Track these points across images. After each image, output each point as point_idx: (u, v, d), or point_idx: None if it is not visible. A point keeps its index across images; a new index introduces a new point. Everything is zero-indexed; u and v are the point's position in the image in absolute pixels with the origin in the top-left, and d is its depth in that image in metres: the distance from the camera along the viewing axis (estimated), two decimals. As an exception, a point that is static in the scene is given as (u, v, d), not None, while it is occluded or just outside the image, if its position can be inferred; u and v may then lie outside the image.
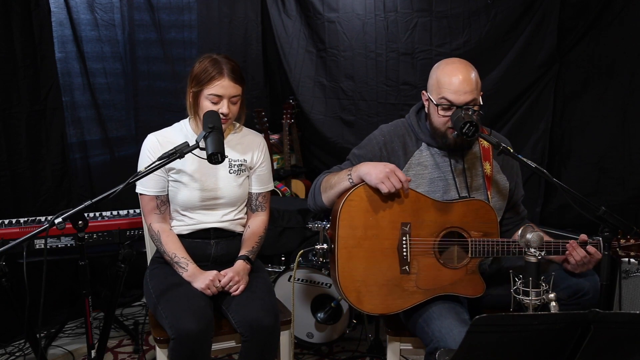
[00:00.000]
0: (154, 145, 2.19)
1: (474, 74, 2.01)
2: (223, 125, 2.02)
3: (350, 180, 1.99)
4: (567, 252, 1.97)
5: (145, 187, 2.19)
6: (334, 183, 2.04)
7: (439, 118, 2.02)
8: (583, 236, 1.98)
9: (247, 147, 2.28)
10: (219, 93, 2.08)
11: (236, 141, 2.26)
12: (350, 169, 2.01)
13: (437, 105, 2.01)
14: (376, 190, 1.93)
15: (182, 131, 2.23)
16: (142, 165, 2.14)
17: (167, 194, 2.22)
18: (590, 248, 1.94)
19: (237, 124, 2.30)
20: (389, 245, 1.98)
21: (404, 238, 1.97)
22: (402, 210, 1.98)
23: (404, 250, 1.97)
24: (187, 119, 2.25)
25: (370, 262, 1.97)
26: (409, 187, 1.96)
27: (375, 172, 1.92)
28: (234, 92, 2.11)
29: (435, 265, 2.00)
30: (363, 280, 1.97)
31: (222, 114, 2.07)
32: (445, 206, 2.00)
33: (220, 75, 2.08)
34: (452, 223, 2.00)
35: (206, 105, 2.10)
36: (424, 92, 2.11)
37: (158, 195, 2.20)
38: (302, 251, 2.35)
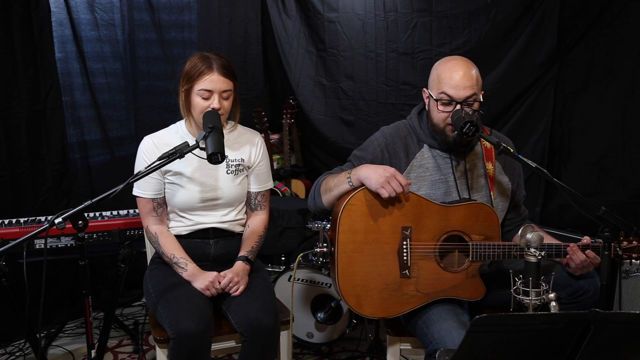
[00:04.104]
0: (149, 147, 2.18)
1: (474, 71, 2.01)
2: None
3: (350, 183, 1.99)
4: (567, 255, 1.97)
5: (141, 189, 2.19)
6: (334, 185, 2.03)
7: (439, 114, 2.02)
8: (586, 239, 1.98)
9: (244, 146, 2.28)
10: (209, 88, 2.07)
11: (232, 140, 2.25)
12: (350, 171, 2.00)
13: (437, 100, 2.01)
14: (376, 194, 1.92)
15: (178, 133, 2.23)
16: (138, 168, 2.14)
17: (164, 196, 2.22)
18: (589, 252, 1.94)
19: (232, 123, 2.29)
20: (390, 250, 1.98)
21: (405, 242, 1.96)
22: (403, 214, 1.97)
23: (405, 254, 1.96)
24: (183, 120, 2.25)
25: (371, 267, 1.97)
26: (409, 190, 1.96)
27: (375, 176, 1.91)
28: (225, 87, 2.10)
29: (435, 269, 1.99)
30: (363, 285, 1.97)
31: (213, 109, 2.07)
32: (447, 210, 1.99)
33: (210, 70, 2.07)
34: (453, 227, 1.99)
35: (197, 101, 2.09)
36: (424, 89, 2.11)
37: (154, 198, 2.20)
38: (302, 254, 2.35)
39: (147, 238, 2.28)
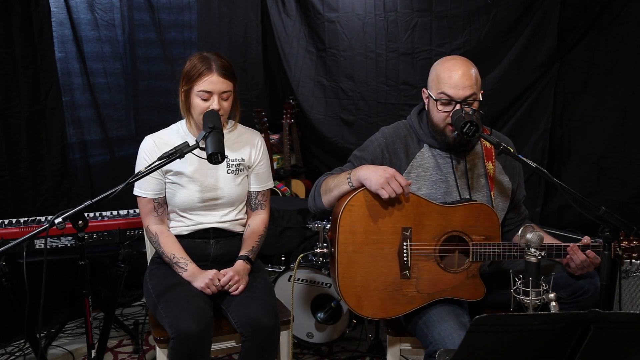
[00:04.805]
0: (150, 147, 2.19)
1: (473, 70, 2.01)
2: None
3: (350, 184, 1.99)
4: (567, 255, 1.97)
5: (142, 189, 2.19)
6: (334, 186, 2.03)
7: (438, 113, 2.02)
8: (586, 239, 1.98)
9: (244, 145, 2.28)
10: (208, 89, 2.07)
11: (233, 140, 2.26)
12: (350, 172, 2.00)
13: (436, 100, 2.01)
14: (377, 195, 1.92)
15: (179, 132, 2.23)
16: (139, 168, 2.14)
17: (165, 196, 2.22)
18: (589, 252, 1.94)
19: (233, 122, 2.29)
20: (390, 250, 1.97)
21: (405, 243, 1.96)
22: (403, 215, 1.97)
23: (405, 255, 1.96)
24: (184, 120, 2.25)
25: (371, 267, 1.97)
26: (409, 191, 1.96)
27: (375, 177, 1.90)
28: (224, 88, 2.10)
29: (435, 270, 1.99)
30: (363, 286, 1.97)
31: (213, 110, 2.07)
32: (447, 210, 1.99)
33: (209, 71, 2.07)
34: (453, 227, 1.99)
35: (197, 102, 2.10)
36: (424, 89, 2.11)
37: (155, 198, 2.20)
38: (302, 255, 2.35)
39: (148, 238, 2.28)
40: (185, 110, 2.18)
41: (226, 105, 2.13)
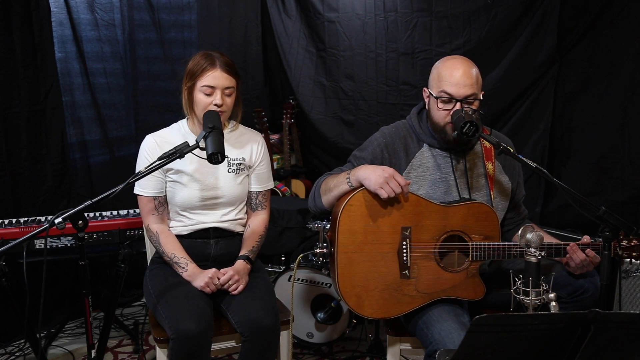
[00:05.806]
0: (151, 146, 2.19)
1: (474, 70, 2.01)
2: None
3: (349, 184, 1.99)
4: (567, 255, 1.97)
5: (143, 188, 2.19)
6: (333, 186, 2.04)
7: (439, 112, 2.02)
8: (585, 239, 1.98)
9: (245, 145, 2.28)
10: (212, 84, 2.08)
11: (234, 140, 2.26)
12: (349, 172, 2.01)
13: (437, 98, 2.01)
14: (376, 195, 1.92)
15: (180, 131, 2.23)
16: (140, 167, 2.15)
17: (165, 195, 2.22)
18: (589, 251, 1.94)
19: (234, 123, 2.29)
20: (389, 250, 1.98)
21: (404, 242, 1.96)
22: (402, 214, 1.97)
23: (404, 254, 1.96)
24: (185, 119, 2.25)
25: (370, 267, 1.97)
26: (408, 190, 1.96)
27: (374, 176, 1.91)
28: (227, 84, 2.11)
29: (435, 269, 1.99)
30: (363, 285, 1.97)
31: (215, 105, 2.07)
32: (446, 210, 1.99)
33: (213, 66, 2.09)
34: (452, 227, 1.99)
35: (200, 98, 2.10)
36: (425, 88, 2.11)
37: (156, 197, 2.20)
38: (302, 255, 2.36)
39: (148, 237, 2.28)
40: (189, 107, 2.18)
41: (229, 101, 2.14)
